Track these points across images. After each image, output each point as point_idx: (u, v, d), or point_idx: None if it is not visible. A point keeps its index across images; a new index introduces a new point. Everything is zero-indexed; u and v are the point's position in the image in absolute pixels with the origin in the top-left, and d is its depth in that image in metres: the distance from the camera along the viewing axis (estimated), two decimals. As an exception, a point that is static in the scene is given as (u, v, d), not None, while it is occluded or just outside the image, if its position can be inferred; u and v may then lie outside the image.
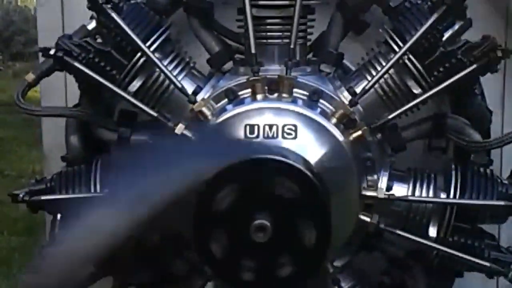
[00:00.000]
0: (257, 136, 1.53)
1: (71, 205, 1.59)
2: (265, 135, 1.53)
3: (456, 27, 1.64)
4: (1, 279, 4.79)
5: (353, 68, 1.77)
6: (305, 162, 1.47)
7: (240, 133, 1.54)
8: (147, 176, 1.32)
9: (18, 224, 5.72)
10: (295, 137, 1.53)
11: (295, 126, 1.54)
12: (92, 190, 1.66)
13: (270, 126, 1.53)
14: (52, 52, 1.61)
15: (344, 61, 1.79)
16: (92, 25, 1.75)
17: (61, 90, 2.02)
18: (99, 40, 1.73)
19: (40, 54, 1.74)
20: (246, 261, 1.41)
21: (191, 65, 1.72)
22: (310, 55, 1.77)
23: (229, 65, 1.75)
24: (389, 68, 1.59)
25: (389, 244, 1.71)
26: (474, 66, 1.55)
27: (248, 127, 1.54)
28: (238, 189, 1.38)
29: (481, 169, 1.66)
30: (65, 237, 1.49)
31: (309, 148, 1.53)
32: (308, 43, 1.76)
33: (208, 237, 1.41)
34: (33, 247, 5.16)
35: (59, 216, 1.74)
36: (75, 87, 1.83)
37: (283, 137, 1.53)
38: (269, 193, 1.39)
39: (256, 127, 1.54)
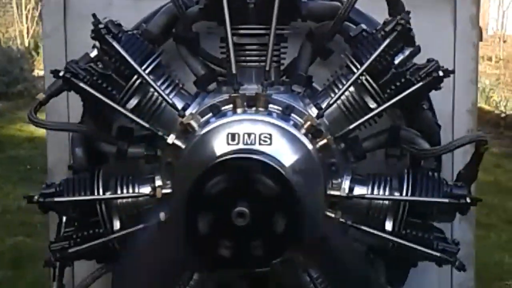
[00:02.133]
0: (237, 143, 1.79)
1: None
2: (244, 142, 1.79)
3: (407, 52, 1.92)
4: (-12, 311, 4.95)
5: (320, 89, 2.05)
6: (279, 163, 1.74)
7: (223, 141, 1.81)
8: None
9: (4, 256, 5.88)
10: (270, 144, 1.79)
11: (270, 134, 1.80)
12: (95, 194, 1.91)
13: (249, 134, 1.80)
14: (61, 74, 1.87)
15: (314, 84, 2.08)
16: (94, 53, 2.00)
17: (63, 110, 2.26)
18: (100, 66, 2.00)
19: (51, 75, 2.00)
20: (226, 240, 1.67)
21: (180, 86, 1.99)
22: (283, 77, 2.05)
23: (212, 86, 2.03)
24: (349, 86, 1.86)
25: (353, 240, 1.97)
26: (420, 84, 1.82)
27: (230, 135, 1.80)
28: (225, 180, 1.66)
29: (430, 173, 1.93)
30: None
31: (282, 153, 1.79)
32: (282, 67, 2.04)
33: (196, 216, 1.67)
34: (19, 280, 5.33)
35: (64, 218, 2.01)
36: (76, 109, 2.12)
37: (260, 144, 1.79)
38: (249, 186, 1.66)
39: (236, 135, 1.80)
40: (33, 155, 9.47)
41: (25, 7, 18.20)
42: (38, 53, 17.37)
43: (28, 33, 18.56)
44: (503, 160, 10.30)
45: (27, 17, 18.29)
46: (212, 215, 1.67)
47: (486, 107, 13.19)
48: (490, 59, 17.17)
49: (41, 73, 16.20)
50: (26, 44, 17.94)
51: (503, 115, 12.53)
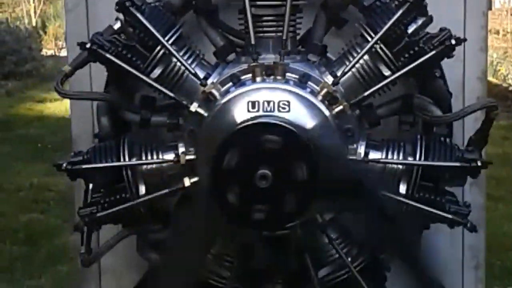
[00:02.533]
0: (257, 110, 1.87)
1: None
2: (264, 109, 1.88)
3: (419, 22, 1.98)
4: (5, 285, 5.07)
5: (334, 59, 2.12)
6: (288, 121, 1.82)
7: (244, 108, 1.89)
8: None
9: (18, 234, 6.00)
10: (288, 111, 1.88)
11: (288, 101, 1.88)
12: (122, 160, 2.00)
13: (268, 102, 1.88)
14: (88, 46, 1.95)
15: (328, 54, 2.15)
16: (117, 25, 2.07)
17: (87, 82, 2.35)
18: (123, 38, 2.08)
19: (73, 48, 2.09)
20: (255, 204, 1.77)
21: (201, 56, 2.07)
22: (299, 47, 2.12)
23: (231, 57, 2.10)
24: (364, 55, 1.94)
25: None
26: (433, 52, 1.90)
27: (250, 103, 1.88)
28: (242, 149, 1.75)
29: (442, 139, 2.00)
30: None
31: (300, 119, 1.87)
32: (298, 37, 2.11)
33: (224, 190, 1.77)
34: (34, 256, 5.45)
35: (91, 185, 2.10)
36: (98, 80, 2.20)
37: (279, 111, 1.87)
38: (266, 148, 1.75)
39: (256, 103, 1.88)
40: (43, 134, 9.58)
41: (32, -13, 18.27)
42: (45, 32, 17.47)
43: (35, 12, 18.62)
44: (511, 132, 10.36)
45: (33, -4, 18.36)
46: (236, 184, 1.76)
47: (494, 80, 13.21)
48: (497, 32, 17.13)
49: (50, 52, 16.36)
50: (34, 24, 18.01)
51: (511, 88, 12.55)
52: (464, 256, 2.41)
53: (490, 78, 13.00)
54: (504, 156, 8.91)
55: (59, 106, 11.42)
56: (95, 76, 2.28)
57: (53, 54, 16.34)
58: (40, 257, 5.53)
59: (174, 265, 1.96)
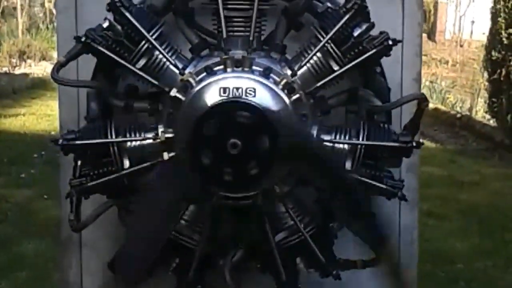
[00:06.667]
0: (228, 95, 2.22)
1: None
2: (233, 94, 2.21)
3: (364, 27, 2.34)
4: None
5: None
6: (259, 104, 2.18)
7: (216, 93, 2.24)
8: None
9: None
10: (254, 96, 2.22)
11: (254, 88, 2.22)
12: (109, 138, 2.31)
13: (237, 88, 2.21)
14: (83, 39, 2.28)
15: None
16: (106, 24, 2.38)
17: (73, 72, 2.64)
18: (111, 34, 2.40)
19: (63, 46, 2.42)
20: (226, 167, 2.12)
21: (179, 51, 2.42)
22: (263, 46, 2.47)
23: (204, 53, 2.44)
24: (317, 52, 2.30)
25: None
26: (374, 50, 2.27)
27: (221, 89, 2.21)
28: (220, 120, 2.10)
29: (381, 125, 2.37)
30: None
31: (264, 104, 2.21)
32: (262, 37, 2.47)
33: (199, 153, 2.11)
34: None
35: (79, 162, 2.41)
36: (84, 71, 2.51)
37: (246, 96, 2.22)
38: (238, 122, 2.11)
39: (227, 89, 2.21)
40: (-2, 148, 9.64)
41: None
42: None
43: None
44: (457, 156, 10.87)
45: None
46: (211, 149, 2.11)
47: (443, 108, 13.77)
48: (447, 62, 17.88)
49: (4, 69, 16.39)
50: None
51: (458, 115, 13.11)
52: (401, 233, 2.77)
53: (439, 106, 13.57)
54: (450, 178, 9.38)
55: (14, 122, 11.56)
56: (81, 67, 2.58)
57: (7, 71, 16.42)
58: (-1, 264, 5.72)
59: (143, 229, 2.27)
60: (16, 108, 12.84)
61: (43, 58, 17.90)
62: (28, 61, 17.59)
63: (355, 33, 2.32)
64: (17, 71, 16.73)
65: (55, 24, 2.70)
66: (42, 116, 12.03)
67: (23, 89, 14.78)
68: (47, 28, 19.82)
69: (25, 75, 16.19)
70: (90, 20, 2.46)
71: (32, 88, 15.18)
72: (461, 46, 18.29)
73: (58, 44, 2.69)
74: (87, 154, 2.35)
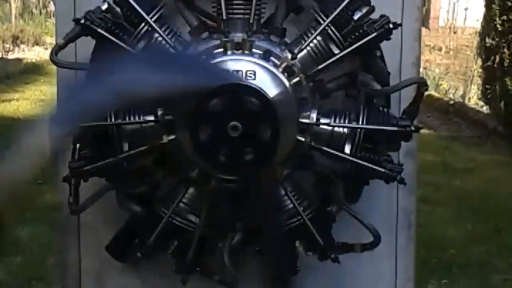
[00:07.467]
0: None
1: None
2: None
3: (364, 10, 2.34)
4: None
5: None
6: (261, 89, 2.16)
7: None
8: None
9: None
10: (254, 79, 2.22)
11: (254, 71, 2.22)
12: (108, 121, 2.30)
13: (237, 71, 2.21)
14: (82, 21, 2.27)
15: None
16: (104, 6, 2.38)
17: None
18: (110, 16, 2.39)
19: (62, 29, 2.40)
20: (223, 149, 2.12)
21: (178, 34, 2.41)
22: (263, 29, 2.47)
23: (204, 35, 2.44)
24: (317, 35, 2.30)
25: (317, 164, 2.41)
26: (374, 34, 2.28)
27: (222, 71, 2.23)
28: (223, 101, 2.09)
29: (381, 109, 2.38)
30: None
31: (264, 86, 2.21)
32: (262, 20, 2.47)
33: (199, 129, 2.11)
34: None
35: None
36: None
37: (246, 79, 2.22)
38: (241, 104, 2.10)
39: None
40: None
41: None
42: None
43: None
44: (450, 143, 10.93)
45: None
46: (211, 129, 2.10)
47: (436, 95, 13.81)
48: (440, 49, 17.88)
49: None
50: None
51: (451, 102, 13.17)
52: (398, 217, 2.78)
53: (432, 92, 13.59)
54: (443, 165, 9.44)
55: (8, 107, 11.56)
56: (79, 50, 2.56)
57: (1, 57, 16.36)
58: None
59: None
60: (9, 93, 12.85)
61: (37, 43, 17.86)
62: (22, 46, 17.53)
63: (356, 17, 2.32)
64: (11, 56, 16.66)
65: (48, 9, 2.66)
66: (36, 101, 12.02)
67: (16, 74, 14.75)
68: (40, 13, 19.75)
69: (19, 60, 16.15)
70: (89, 3, 2.44)
71: (25, 73, 15.16)
72: (455, 32, 18.29)
73: (57, 27, 2.68)
74: (86, 137, 2.33)
